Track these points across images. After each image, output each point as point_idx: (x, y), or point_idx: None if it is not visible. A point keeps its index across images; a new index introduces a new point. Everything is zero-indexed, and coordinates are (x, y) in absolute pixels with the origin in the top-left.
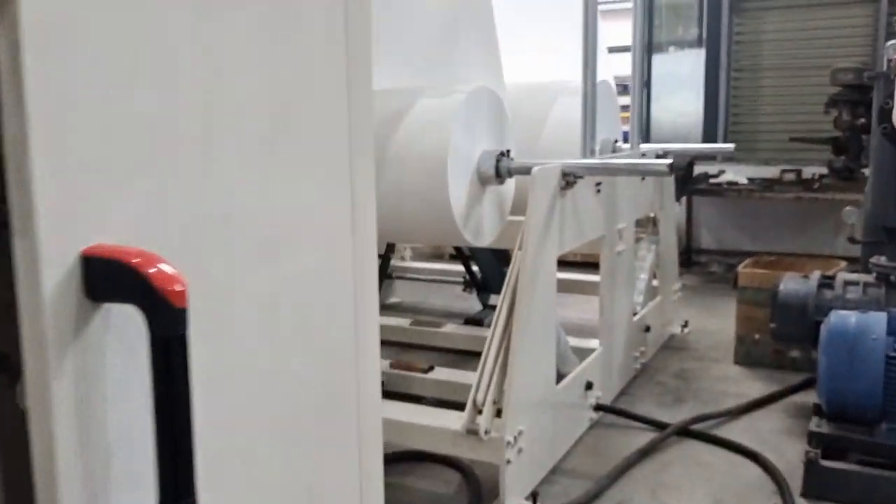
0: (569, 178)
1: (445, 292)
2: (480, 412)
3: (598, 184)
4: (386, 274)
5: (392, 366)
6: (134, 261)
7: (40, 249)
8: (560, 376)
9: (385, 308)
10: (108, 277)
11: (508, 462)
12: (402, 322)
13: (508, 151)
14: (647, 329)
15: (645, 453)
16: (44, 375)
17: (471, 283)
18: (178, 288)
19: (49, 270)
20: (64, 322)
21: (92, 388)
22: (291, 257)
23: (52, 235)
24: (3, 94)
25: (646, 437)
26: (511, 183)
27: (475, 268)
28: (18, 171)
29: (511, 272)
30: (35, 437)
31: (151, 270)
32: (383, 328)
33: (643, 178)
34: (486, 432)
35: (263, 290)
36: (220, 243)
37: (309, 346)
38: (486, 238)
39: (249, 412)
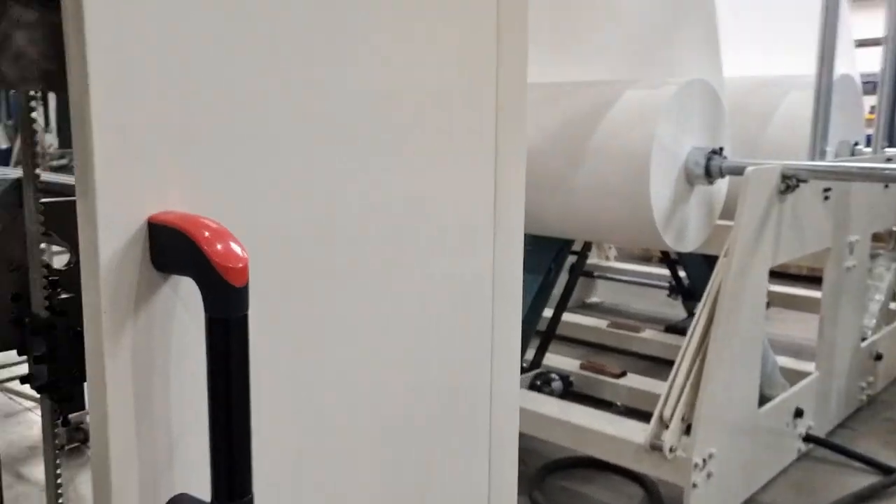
0: (790, 182)
1: (650, 296)
2: (667, 427)
3: (827, 189)
4: (582, 272)
5: (583, 367)
6: (193, 231)
7: (98, 212)
8: (765, 399)
9: (583, 307)
10: (172, 247)
11: (695, 486)
12: (598, 323)
13: (721, 149)
14: (879, 357)
15: (861, 499)
16: (98, 345)
17: (676, 288)
18: (237, 265)
19: (106, 234)
20: (121, 291)
21: (156, 363)
22: (420, 252)
23: (113, 198)
24: (67, 49)
25: (864, 479)
26: (723, 184)
27: (683, 273)
28: (81, 129)
29: (713, 281)
30: (92, 414)
31: (210, 243)
32: (578, 327)
33: (886, 186)
34: (672, 450)
35: (385, 284)
36: (335, 230)
37: (431, 347)
38: (689, 243)
39: (358, 413)
